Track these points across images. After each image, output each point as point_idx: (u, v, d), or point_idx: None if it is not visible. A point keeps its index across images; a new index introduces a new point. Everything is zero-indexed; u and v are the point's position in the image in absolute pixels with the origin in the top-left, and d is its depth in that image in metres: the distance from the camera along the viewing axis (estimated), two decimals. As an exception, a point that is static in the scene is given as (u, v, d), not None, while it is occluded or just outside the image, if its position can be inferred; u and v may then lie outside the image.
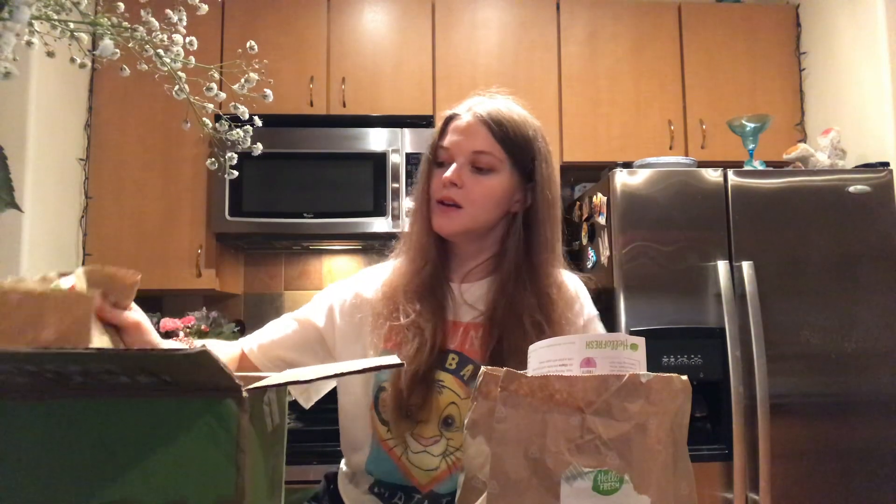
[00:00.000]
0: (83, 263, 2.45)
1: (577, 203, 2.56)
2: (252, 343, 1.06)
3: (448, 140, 1.02)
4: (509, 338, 0.96)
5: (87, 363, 0.49)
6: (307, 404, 1.11)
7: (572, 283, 1.10)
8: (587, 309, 1.10)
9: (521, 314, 0.98)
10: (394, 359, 0.63)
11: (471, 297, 1.03)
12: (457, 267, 1.06)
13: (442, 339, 0.98)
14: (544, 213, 1.04)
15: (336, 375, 0.62)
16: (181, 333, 2.41)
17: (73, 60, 0.83)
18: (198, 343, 1.05)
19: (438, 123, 1.06)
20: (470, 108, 1.03)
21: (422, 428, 0.95)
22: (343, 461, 1.10)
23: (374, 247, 2.74)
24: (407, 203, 2.45)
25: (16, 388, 0.52)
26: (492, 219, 1.03)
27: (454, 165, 1.00)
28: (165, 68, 0.83)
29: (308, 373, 0.64)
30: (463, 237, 1.03)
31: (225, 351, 1.07)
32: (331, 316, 1.05)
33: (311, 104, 2.58)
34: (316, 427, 2.09)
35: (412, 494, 0.97)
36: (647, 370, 0.59)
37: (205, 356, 0.48)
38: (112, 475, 0.51)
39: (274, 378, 0.60)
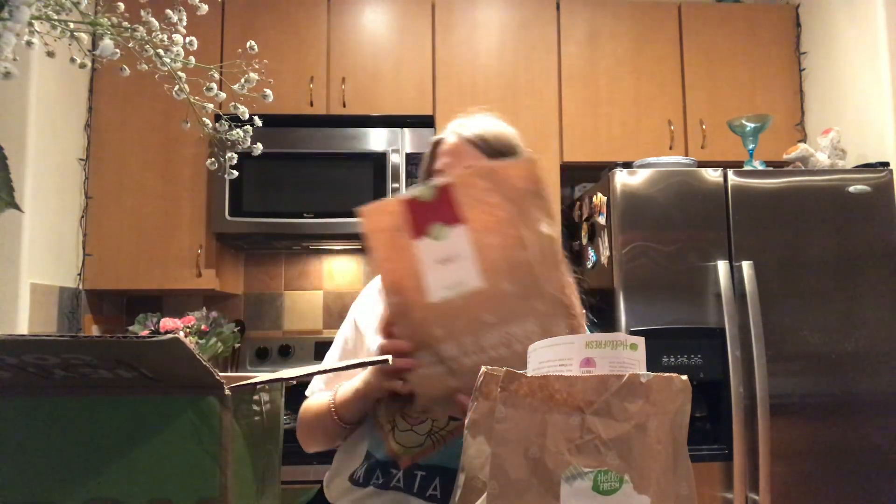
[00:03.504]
0: (83, 263, 2.45)
1: (577, 203, 2.56)
2: (320, 386, 1.19)
3: (440, 163, 1.11)
4: None
5: (62, 353, 0.48)
6: None
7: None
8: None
9: None
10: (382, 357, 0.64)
11: None
12: None
13: None
14: None
15: (322, 372, 0.63)
16: (181, 333, 2.41)
17: (73, 60, 0.83)
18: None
19: (428, 148, 1.15)
20: (454, 131, 1.12)
21: (410, 408, 1.02)
22: (329, 470, 1.14)
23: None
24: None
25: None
26: None
27: None
28: (165, 68, 0.83)
29: (294, 371, 0.64)
30: None
31: (318, 398, 1.15)
32: (356, 328, 1.20)
33: (311, 104, 2.58)
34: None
35: (389, 470, 1.03)
36: (647, 370, 0.59)
37: (176, 344, 0.48)
38: (96, 472, 0.51)
39: (261, 376, 0.60)
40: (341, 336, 1.23)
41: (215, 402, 0.52)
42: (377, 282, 1.21)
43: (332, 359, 1.22)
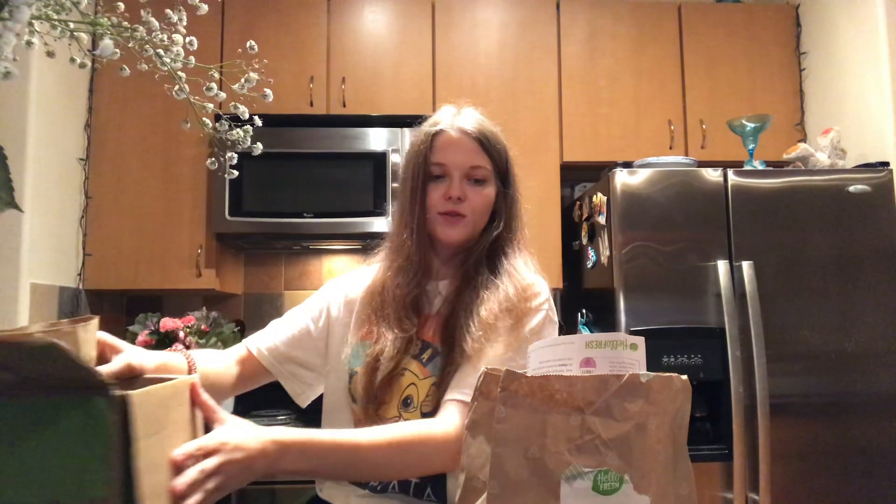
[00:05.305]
0: (83, 263, 2.45)
1: (577, 203, 2.56)
2: (260, 344, 1.14)
3: (441, 156, 1.10)
4: (460, 301, 1.06)
5: None
6: (304, 404, 1.19)
7: (533, 277, 1.13)
8: (542, 303, 1.09)
9: (475, 280, 1.07)
10: None
11: (444, 289, 1.13)
12: (437, 265, 1.15)
13: (417, 331, 1.07)
14: (513, 210, 1.15)
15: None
16: (181, 333, 2.41)
17: (73, 60, 0.83)
18: (194, 352, 1.06)
19: (420, 137, 1.14)
20: (453, 125, 1.11)
21: (385, 409, 1.03)
22: None
23: (374, 246, 2.73)
24: (407, 203, 2.44)
25: None
26: (484, 223, 1.13)
27: (453, 180, 1.09)
28: (165, 68, 0.83)
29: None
30: (464, 243, 1.12)
31: (228, 353, 1.13)
32: (328, 316, 1.17)
33: (311, 104, 2.58)
34: (315, 427, 2.08)
35: None
36: (647, 370, 0.59)
37: (51, 349, 0.47)
38: None
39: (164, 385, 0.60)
40: (307, 315, 1.17)
41: (103, 403, 0.51)
42: (370, 270, 1.20)
43: (285, 326, 1.17)
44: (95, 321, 0.67)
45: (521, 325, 1.03)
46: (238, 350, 1.14)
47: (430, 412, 0.99)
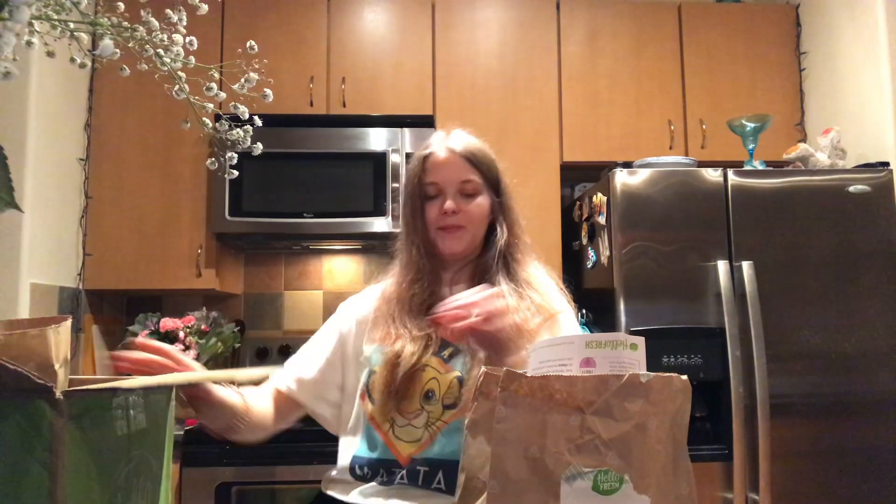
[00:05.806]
0: (83, 263, 2.45)
1: (577, 203, 2.56)
2: (286, 379, 1.21)
3: (434, 176, 1.19)
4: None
5: None
6: (338, 431, 1.23)
7: (545, 275, 1.23)
8: (560, 303, 1.20)
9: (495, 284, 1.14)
10: None
11: (458, 292, 1.16)
12: (448, 274, 1.23)
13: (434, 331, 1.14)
14: (511, 217, 1.24)
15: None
16: (181, 333, 2.41)
17: (73, 60, 0.83)
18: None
19: (414, 163, 1.23)
20: (443, 146, 1.20)
21: (406, 404, 1.09)
22: (334, 471, 1.17)
23: (374, 247, 2.74)
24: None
25: None
26: (483, 232, 1.21)
27: (447, 196, 1.18)
28: (165, 68, 0.83)
29: (172, 377, 0.67)
30: (467, 252, 1.20)
31: (263, 391, 1.19)
32: (340, 336, 1.25)
33: (311, 104, 2.58)
34: (315, 427, 2.08)
35: (392, 470, 1.07)
36: (647, 370, 0.59)
37: None
38: None
39: (126, 382, 0.59)
40: (322, 341, 1.26)
41: (45, 406, 0.50)
42: (378, 287, 1.28)
43: (310, 356, 1.25)
44: (68, 323, 0.66)
45: (556, 329, 1.11)
46: (268, 389, 1.21)
47: (451, 404, 1.06)
